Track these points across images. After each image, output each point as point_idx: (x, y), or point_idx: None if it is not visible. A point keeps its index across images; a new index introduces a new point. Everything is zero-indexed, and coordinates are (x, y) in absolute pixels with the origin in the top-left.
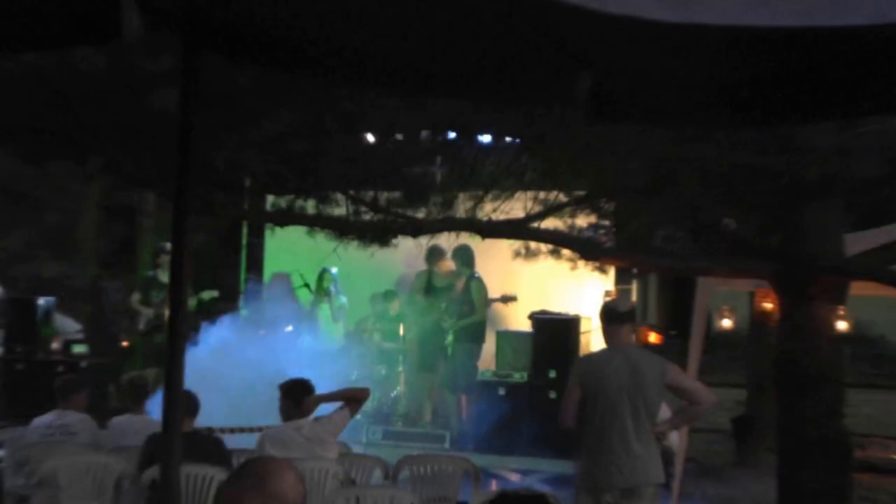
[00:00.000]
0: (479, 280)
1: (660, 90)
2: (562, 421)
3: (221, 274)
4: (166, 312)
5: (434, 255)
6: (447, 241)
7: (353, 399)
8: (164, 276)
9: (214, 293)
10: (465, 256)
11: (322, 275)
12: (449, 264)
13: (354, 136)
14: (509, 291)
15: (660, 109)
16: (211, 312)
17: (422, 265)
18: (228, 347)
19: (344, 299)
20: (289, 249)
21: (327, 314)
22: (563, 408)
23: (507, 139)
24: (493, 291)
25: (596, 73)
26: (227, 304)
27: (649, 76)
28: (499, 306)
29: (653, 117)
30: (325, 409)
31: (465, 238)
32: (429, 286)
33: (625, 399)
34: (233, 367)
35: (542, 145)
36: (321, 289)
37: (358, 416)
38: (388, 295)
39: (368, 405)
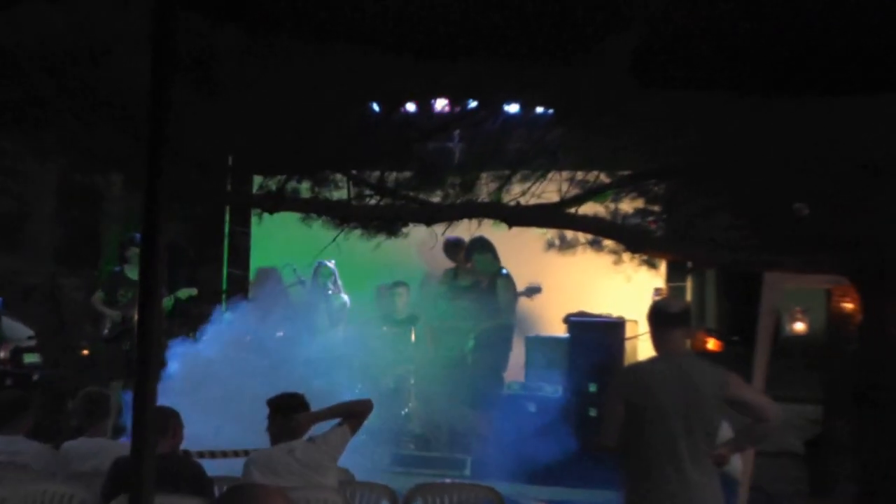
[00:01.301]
0: (508, 277)
1: (713, 49)
2: (601, 443)
3: (200, 269)
4: (135, 315)
5: (457, 249)
6: (467, 229)
7: (352, 413)
8: (132, 272)
9: (192, 291)
10: (484, 249)
11: (318, 269)
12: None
13: (357, 106)
14: (534, 281)
15: (714, 71)
16: (188, 314)
17: (436, 259)
18: (208, 356)
19: (345, 298)
20: (279, 240)
21: (325, 315)
22: (604, 428)
23: (539, 109)
24: (529, 298)
25: (639, 30)
26: (207, 304)
27: (701, 32)
28: (526, 304)
29: (707, 81)
30: (321, 428)
31: (487, 227)
32: (456, 286)
33: (678, 417)
34: (213, 378)
35: (579, 116)
36: (318, 286)
37: (361, 436)
38: (396, 288)
39: (375, 423)
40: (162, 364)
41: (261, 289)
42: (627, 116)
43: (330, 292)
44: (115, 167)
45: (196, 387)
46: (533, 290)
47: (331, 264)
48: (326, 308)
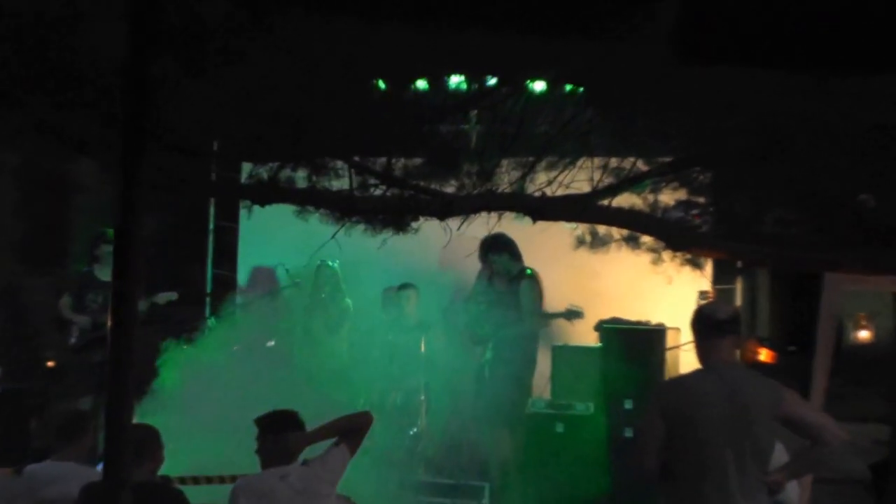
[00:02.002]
0: (533, 278)
1: (762, 19)
2: (637, 467)
3: (182, 269)
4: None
5: (495, 246)
6: (485, 224)
7: (350, 430)
8: (104, 273)
9: (172, 295)
10: (500, 248)
11: (320, 270)
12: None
13: (360, 84)
14: (576, 303)
15: (764, 45)
16: (168, 321)
17: (451, 258)
18: (191, 369)
19: (348, 302)
20: (271, 237)
21: (324, 322)
22: (640, 449)
23: (568, 87)
24: (551, 298)
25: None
26: (189, 309)
27: (748, 1)
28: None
29: (757, 56)
30: (317, 450)
31: (509, 222)
32: (489, 292)
33: (725, 437)
34: (197, 394)
35: (612, 95)
36: (319, 289)
37: (364, 459)
38: (404, 291)
39: (380, 444)
40: (153, 374)
41: (253, 291)
42: (667, 96)
43: (326, 296)
44: (85, 152)
45: (177, 405)
46: (574, 314)
47: (333, 264)
48: (325, 313)
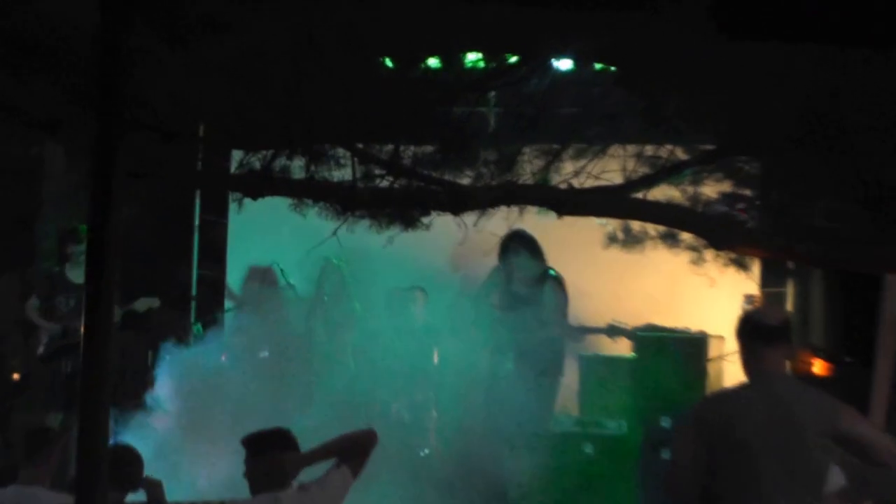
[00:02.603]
0: (557, 280)
1: None
2: (675, 492)
3: (163, 270)
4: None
5: (515, 244)
6: (505, 219)
7: (352, 450)
8: (76, 274)
9: (153, 302)
10: (520, 247)
11: (325, 271)
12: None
13: (365, 60)
14: (619, 318)
15: (819, 19)
16: (148, 328)
17: (467, 257)
18: (172, 383)
19: (355, 305)
20: (264, 233)
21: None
22: (678, 473)
23: (597, 65)
24: (578, 303)
25: None
26: (171, 314)
27: None
28: (579, 315)
29: (809, 30)
30: (315, 472)
31: (531, 217)
32: (508, 295)
33: (774, 459)
34: (181, 412)
35: (647, 74)
36: (323, 291)
37: (369, 481)
38: (412, 293)
39: (386, 466)
40: (148, 383)
41: (250, 294)
42: (709, 75)
43: (329, 299)
44: (53, 134)
45: (166, 419)
46: (617, 331)
47: (339, 264)
48: (328, 318)
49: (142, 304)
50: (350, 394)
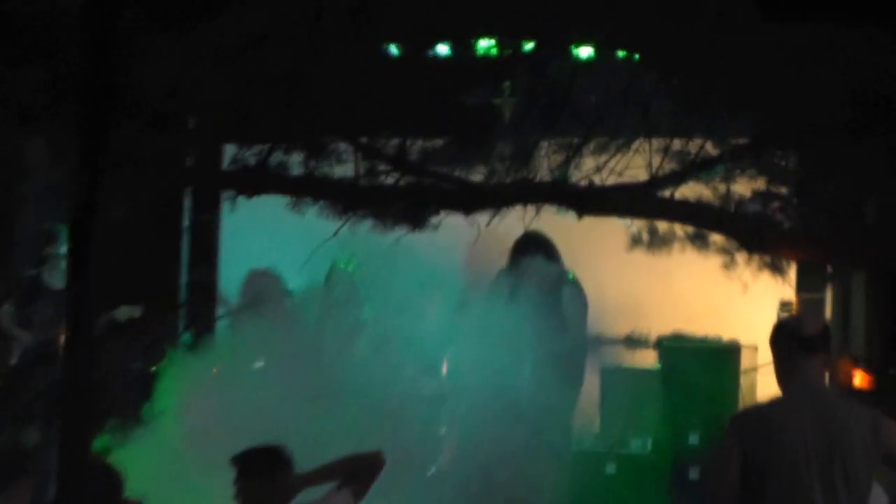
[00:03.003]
0: (576, 284)
1: None
2: None
3: (149, 274)
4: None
5: (528, 247)
6: (521, 219)
7: (356, 473)
8: (54, 279)
9: (134, 310)
10: (536, 248)
11: (332, 274)
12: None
13: (369, 46)
14: (640, 328)
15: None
16: (130, 338)
17: (480, 260)
18: (159, 398)
19: (366, 313)
20: (260, 233)
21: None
22: (711, 494)
23: (621, 53)
24: (598, 310)
25: None
26: (157, 323)
27: None
28: (601, 324)
29: (856, 11)
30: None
31: (549, 216)
32: (521, 302)
33: (813, 477)
34: (169, 430)
35: (676, 61)
36: (331, 297)
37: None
38: (422, 301)
39: (393, 487)
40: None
41: (249, 300)
42: (745, 60)
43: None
44: (33, 125)
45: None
46: (638, 343)
47: (349, 267)
48: (336, 327)
49: (122, 313)
50: (358, 409)
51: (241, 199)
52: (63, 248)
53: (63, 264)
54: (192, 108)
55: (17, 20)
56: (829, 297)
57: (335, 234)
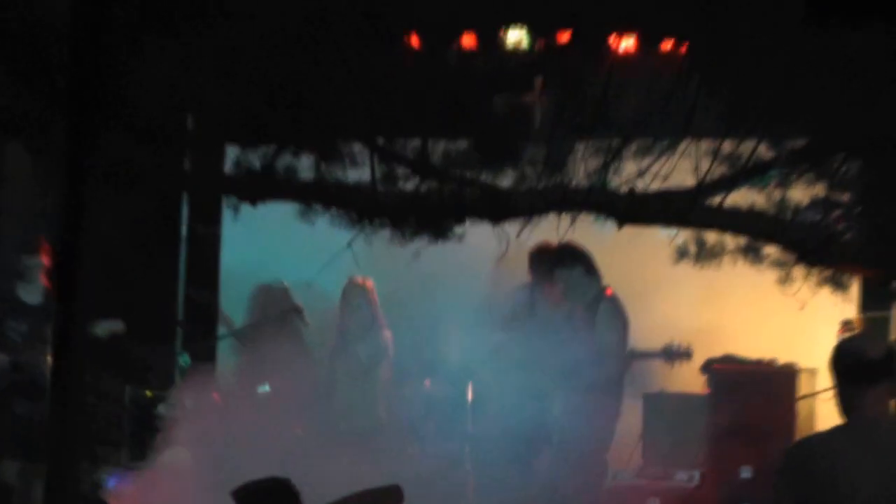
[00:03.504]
0: (614, 302)
1: None
2: None
3: (142, 290)
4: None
5: (564, 260)
6: (554, 229)
7: None
8: (30, 294)
9: (116, 326)
10: (572, 261)
11: (348, 291)
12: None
13: (386, 40)
14: (680, 340)
15: None
16: (119, 359)
17: (509, 275)
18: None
19: (387, 337)
20: (265, 245)
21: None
22: None
23: (664, 48)
24: (640, 330)
25: None
26: (152, 343)
27: None
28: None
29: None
30: None
31: (586, 227)
32: (550, 319)
33: None
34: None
35: (726, 58)
36: (345, 316)
37: None
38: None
39: None
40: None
41: (256, 317)
42: (801, 58)
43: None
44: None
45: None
46: (677, 355)
47: (366, 283)
48: (353, 350)
49: (103, 329)
50: (376, 440)
51: (245, 207)
52: (38, 260)
53: (38, 277)
54: (190, 108)
55: (2, 26)
56: (894, 316)
57: (349, 245)
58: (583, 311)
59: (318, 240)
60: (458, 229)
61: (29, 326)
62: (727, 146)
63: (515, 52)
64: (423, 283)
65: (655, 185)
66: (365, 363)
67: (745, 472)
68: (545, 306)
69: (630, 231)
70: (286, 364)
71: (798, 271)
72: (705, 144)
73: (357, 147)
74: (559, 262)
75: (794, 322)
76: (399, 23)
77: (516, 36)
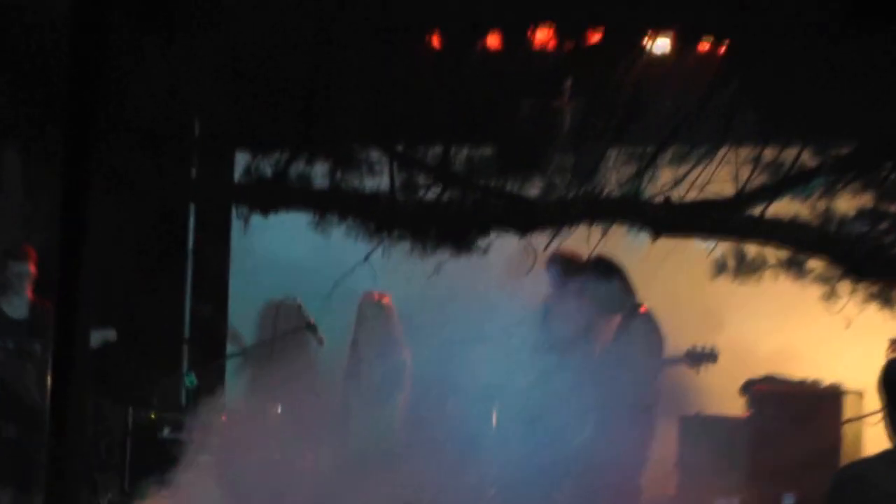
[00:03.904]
0: (648, 319)
1: None
2: None
3: (147, 305)
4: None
5: (570, 270)
6: (584, 240)
7: None
8: (13, 306)
9: (108, 335)
10: (607, 274)
11: (363, 308)
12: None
13: (405, 40)
14: (703, 342)
15: None
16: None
17: (537, 290)
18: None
19: (405, 356)
20: (277, 258)
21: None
22: None
23: (702, 49)
24: (677, 348)
25: None
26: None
27: None
28: (681, 369)
29: None
30: None
31: (618, 239)
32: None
33: None
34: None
35: (767, 59)
36: (360, 336)
37: None
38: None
39: None
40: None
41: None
42: (846, 59)
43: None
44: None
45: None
46: (702, 357)
47: (383, 299)
48: (369, 373)
49: (95, 338)
50: (396, 470)
51: (255, 217)
52: (23, 267)
53: (23, 287)
54: (197, 113)
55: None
56: None
57: (366, 258)
58: (615, 329)
59: (333, 252)
60: (481, 241)
61: (13, 342)
62: (768, 153)
63: (543, 52)
64: (444, 298)
65: (692, 195)
66: (380, 384)
67: (788, 500)
68: (575, 323)
69: (665, 243)
70: (299, 384)
71: (844, 286)
72: (745, 151)
73: (375, 153)
74: (591, 274)
75: (840, 340)
76: (420, 21)
77: (544, 35)
